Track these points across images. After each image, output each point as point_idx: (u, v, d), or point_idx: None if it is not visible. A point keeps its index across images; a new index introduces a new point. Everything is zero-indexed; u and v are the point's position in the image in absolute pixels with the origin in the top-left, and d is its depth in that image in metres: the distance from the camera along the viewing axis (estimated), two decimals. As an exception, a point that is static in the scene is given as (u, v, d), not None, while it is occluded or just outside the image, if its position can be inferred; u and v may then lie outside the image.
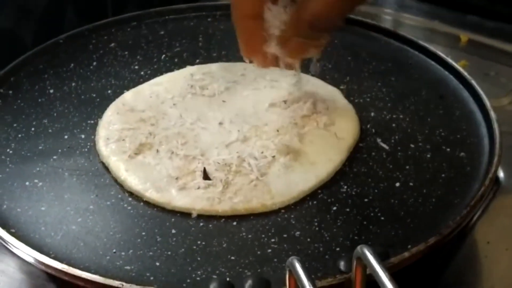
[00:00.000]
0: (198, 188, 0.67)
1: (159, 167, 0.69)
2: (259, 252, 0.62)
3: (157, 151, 0.71)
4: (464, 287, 0.66)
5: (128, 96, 0.79)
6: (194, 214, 0.65)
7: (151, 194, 0.67)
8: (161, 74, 0.83)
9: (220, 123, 0.74)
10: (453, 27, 1.05)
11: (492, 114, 0.75)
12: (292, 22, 0.67)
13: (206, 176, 0.68)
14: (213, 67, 0.83)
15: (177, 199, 0.66)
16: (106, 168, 0.71)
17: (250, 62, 0.72)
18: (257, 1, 0.68)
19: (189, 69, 0.83)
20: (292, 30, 0.67)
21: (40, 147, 0.74)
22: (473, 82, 0.80)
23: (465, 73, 0.81)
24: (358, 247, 0.52)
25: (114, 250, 0.62)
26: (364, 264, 0.52)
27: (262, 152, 0.70)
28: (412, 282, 0.63)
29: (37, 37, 0.93)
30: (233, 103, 0.77)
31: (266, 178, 0.68)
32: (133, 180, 0.68)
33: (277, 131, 0.72)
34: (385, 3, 1.13)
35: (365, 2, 0.67)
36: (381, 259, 0.51)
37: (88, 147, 0.74)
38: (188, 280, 0.59)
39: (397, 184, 0.68)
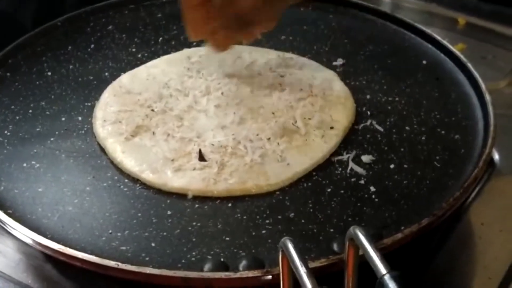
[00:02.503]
0: (194, 169, 0.67)
1: (155, 149, 0.69)
2: (253, 233, 0.62)
3: (154, 133, 0.71)
4: (459, 267, 0.67)
5: (125, 78, 0.80)
6: (190, 195, 0.66)
7: (147, 175, 0.67)
8: (158, 56, 0.84)
9: (216, 106, 0.74)
10: (451, 10, 1.05)
11: (487, 96, 0.75)
12: (219, 14, 0.68)
13: (201, 158, 0.68)
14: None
15: (173, 180, 0.67)
16: (103, 150, 0.71)
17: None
18: None
19: (186, 52, 0.83)
20: (219, 21, 0.68)
21: (37, 129, 0.74)
22: (469, 65, 0.80)
23: (461, 56, 0.81)
24: (351, 228, 0.53)
25: (110, 231, 0.63)
26: (356, 245, 0.53)
27: (257, 135, 0.70)
28: (407, 262, 0.63)
29: (37, 20, 0.93)
30: (230, 86, 0.77)
31: (262, 160, 0.68)
32: (129, 162, 0.69)
33: (273, 113, 0.73)
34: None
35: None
36: (374, 240, 0.52)
37: (85, 129, 0.74)
38: (183, 261, 0.60)
39: (392, 166, 0.69)
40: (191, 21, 0.73)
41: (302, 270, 0.50)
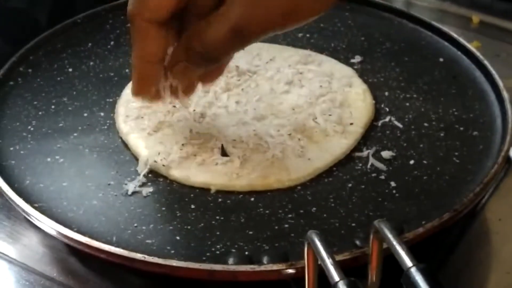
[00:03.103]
0: (216, 164, 0.68)
1: (178, 144, 0.70)
2: (276, 227, 0.63)
3: (176, 128, 0.72)
4: (476, 262, 0.67)
5: (146, 74, 0.80)
6: (213, 190, 0.67)
7: (170, 170, 0.68)
8: (178, 53, 0.85)
9: (237, 102, 0.75)
10: (465, 8, 1.05)
11: (505, 94, 0.75)
12: (181, 48, 0.62)
13: (224, 153, 0.69)
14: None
15: (196, 175, 0.67)
16: (125, 145, 0.72)
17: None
18: (162, 47, 0.63)
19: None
20: (181, 56, 0.62)
21: (60, 125, 0.75)
22: (486, 62, 0.81)
23: (478, 53, 0.82)
24: (375, 221, 0.54)
25: (135, 224, 0.64)
26: (380, 238, 0.54)
27: (278, 130, 0.71)
28: (424, 257, 0.64)
29: (52, 17, 0.94)
30: (249, 82, 0.78)
31: (283, 156, 0.69)
32: (152, 156, 0.69)
33: (293, 109, 0.74)
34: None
35: (262, 36, 0.59)
36: (398, 234, 0.53)
37: (108, 124, 0.75)
38: (208, 254, 0.61)
39: (411, 162, 0.70)
40: (139, 76, 0.65)
41: (330, 262, 0.51)
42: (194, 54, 0.60)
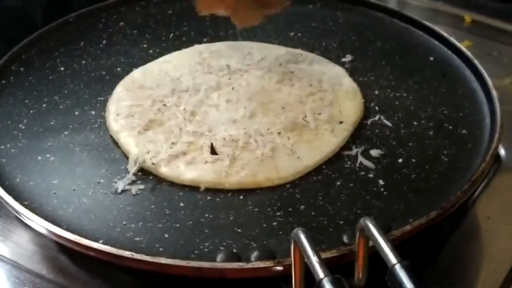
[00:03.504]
0: (206, 162, 0.68)
1: (168, 142, 0.70)
2: (265, 225, 0.64)
3: (166, 127, 0.72)
4: (465, 260, 0.68)
5: (137, 73, 0.81)
6: (202, 188, 0.67)
7: (160, 168, 0.68)
8: (169, 52, 0.85)
9: (227, 100, 0.75)
10: (457, 8, 1.06)
11: (494, 92, 0.76)
12: None
13: (213, 151, 0.69)
14: (221, 45, 0.85)
15: (185, 173, 0.68)
16: (116, 143, 0.72)
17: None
18: None
19: (197, 48, 0.84)
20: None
21: (51, 123, 0.75)
22: (476, 61, 0.81)
23: (468, 53, 0.82)
24: (361, 219, 0.54)
25: (124, 222, 0.64)
26: (367, 235, 0.54)
27: (268, 129, 0.72)
28: (413, 255, 0.64)
29: (46, 16, 0.94)
30: (240, 81, 0.78)
31: (272, 154, 0.69)
32: (142, 155, 0.70)
33: (283, 108, 0.74)
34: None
35: None
36: (383, 232, 0.53)
37: (98, 123, 0.75)
38: (196, 252, 0.61)
39: (400, 160, 0.70)
40: None
41: (315, 260, 0.51)
42: None
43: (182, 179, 0.68)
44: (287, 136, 0.71)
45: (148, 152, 0.69)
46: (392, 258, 0.50)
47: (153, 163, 0.69)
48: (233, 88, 0.77)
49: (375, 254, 0.53)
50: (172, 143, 0.70)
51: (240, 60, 0.81)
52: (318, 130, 0.72)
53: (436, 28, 0.88)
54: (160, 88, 0.78)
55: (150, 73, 0.81)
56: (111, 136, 0.73)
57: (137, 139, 0.71)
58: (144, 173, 0.69)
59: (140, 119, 0.73)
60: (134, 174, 0.68)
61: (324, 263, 0.51)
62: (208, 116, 0.74)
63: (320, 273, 0.50)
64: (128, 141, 0.71)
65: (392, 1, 1.10)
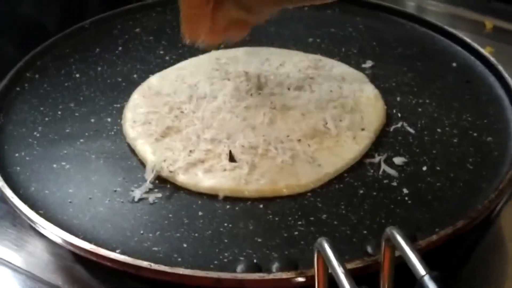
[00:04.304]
0: (224, 170, 0.67)
1: (186, 150, 0.69)
2: (285, 235, 0.62)
3: (183, 134, 0.71)
4: (491, 270, 0.66)
5: (154, 80, 0.80)
6: (221, 196, 0.65)
7: (178, 176, 0.67)
8: (186, 59, 0.84)
9: (246, 107, 0.74)
10: (478, 14, 1.04)
11: (520, 98, 0.74)
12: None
13: (232, 159, 0.68)
14: (238, 51, 0.83)
15: (204, 181, 0.66)
16: (133, 151, 0.71)
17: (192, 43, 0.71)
18: None
19: (214, 54, 0.83)
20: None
21: (67, 130, 0.74)
22: (500, 67, 0.79)
23: (492, 58, 0.81)
24: (387, 229, 0.52)
25: (141, 232, 0.62)
26: (393, 245, 0.52)
27: (288, 136, 0.70)
28: (438, 265, 0.63)
29: (60, 23, 0.93)
30: (258, 87, 0.77)
31: (292, 161, 0.68)
32: (160, 162, 0.68)
33: (303, 115, 0.73)
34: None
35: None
36: (410, 242, 0.51)
37: (115, 130, 0.74)
38: (215, 262, 0.60)
39: (424, 168, 0.68)
40: (190, 19, 0.69)
41: (340, 271, 0.49)
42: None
43: (200, 187, 0.66)
44: (308, 143, 0.69)
45: (165, 160, 0.68)
46: (420, 269, 0.49)
47: (170, 171, 0.67)
48: (251, 95, 0.75)
49: (400, 265, 0.52)
50: (190, 150, 0.69)
51: (258, 67, 0.80)
52: (340, 137, 0.70)
53: (459, 33, 0.86)
54: (177, 94, 0.76)
55: (167, 79, 0.79)
56: (128, 144, 0.72)
57: (154, 147, 0.70)
58: (161, 181, 0.67)
59: (157, 126, 0.72)
60: (151, 182, 0.67)
61: (350, 274, 0.49)
62: (226, 123, 0.72)
63: (346, 285, 0.48)
64: (145, 149, 0.70)
65: (410, 6, 1.09)
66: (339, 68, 0.81)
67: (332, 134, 0.71)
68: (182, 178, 0.67)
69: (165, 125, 0.72)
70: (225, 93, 0.76)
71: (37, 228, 0.63)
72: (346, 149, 0.69)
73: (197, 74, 0.79)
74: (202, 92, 0.76)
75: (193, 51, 0.85)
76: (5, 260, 0.67)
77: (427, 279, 0.48)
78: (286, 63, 0.81)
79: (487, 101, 0.77)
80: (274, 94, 0.76)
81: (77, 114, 0.76)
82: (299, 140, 0.70)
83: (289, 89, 0.76)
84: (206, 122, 0.72)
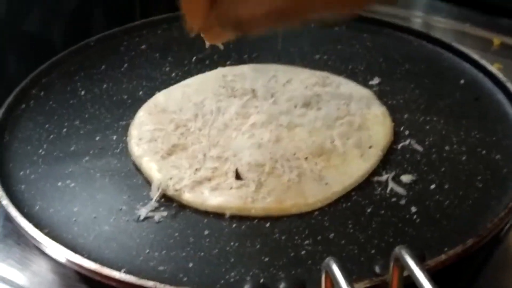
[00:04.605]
0: (231, 188, 0.66)
1: (192, 168, 0.69)
2: (292, 254, 0.61)
3: (189, 152, 0.70)
4: (501, 290, 0.65)
5: (160, 97, 0.79)
6: (227, 214, 0.65)
7: (184, 194, 0.66)
8: (192, 76, 0.83)
9: (252, 125, 0.73)
10: (485, 31, 1.04)
11: (528, 116, 0.74)
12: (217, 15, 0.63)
13: (238, 177, 0.67)
14: (245, 68, 0.83)
15: (210, 199, 0.66)
16: (138, 169, 0.71)
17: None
18: None
19: (220, 71, 0.83)
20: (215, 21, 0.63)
21: (72, 148, 0.74)
22: (508, 84, 0.79)
23: (501, 75, 0.80)
24: (396, 248, 0.52)
25: (147, 251, 0.62)
26: (401, 265, 0.51)
27: (294, 154, 0.70)
28: (447, 284, 0.62)
29: (66, 40, 0.93)
30: (265, 105, 0.76)
31: (299, 180, 0.67)
32: (165, 181, 0.68)
33: (310, 132, 0.72)
34: (414, 6, 1.12)
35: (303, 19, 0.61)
36: (420, 262, 0.51)
37: (120, 148, 0.73)
38: (222, 281, 0.59)
39: (433, 186, 0.68)
40: (190, 10, 0.66)
41: (348, 291, 0.49)
42: (226, 20, 0.61)
43: (207, 205, 0.66)
44: (315, 161, 0.69)
45: (171, 178, 0.67)
46: (430, 290, 0.48)
47: (176, 190, 0.67)
48: (258, 112, 0.75)
49: (409, 285, 0.51)
50: (196, 168, 0.68)
51: (264, 83, 0.79)
52: (347, 155, 0.70)
53: (466, 50, 0.86)
54: (183, 112, 0.76)
55: (173, 96, 0.79)
56: (133, 161, 0.71)
57: (160, 164, 0.69)
58: (167, 200, 0.67)
59: (163, 144, 0.71)
60: (157, 201, 0.66)
61: (358, 295, 0.49)
62: (232, 140, 0.72)
63: (354, 305, 0.48)
64: (151, 166, 0.69)
65: (417, 23, 1.09)
66: (346, 85, 0.80)
67: (339, 152, 0.70)
68: (188, 197, 0.66)
69: (171, 142, 0.71)
70: (232, 110, 0.75)
71: (41, 248, 0.63)
72: (353, 167, 0.69)
73: (203, 91, 0.79)
74: (208, 109, 0.76)
75: (200, 68, 0.85)
76: (9, 279, 0.66)
77: (437, 300, 0.47)
78: (293, 80, 0.80)
79: (495, 118, 0.76)
80: (281, 111, 0.75)
81: (82, 131, 0.76)
82: (306, 158, 0.69)
83: (296, 106, 0.76)
84: (212, 139, 0.72)
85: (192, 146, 0.71)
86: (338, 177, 0.68)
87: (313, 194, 0.66)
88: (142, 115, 0.76)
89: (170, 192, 0.67)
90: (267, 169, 0.68)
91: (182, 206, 0.66)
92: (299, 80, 0.80)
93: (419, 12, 1.11)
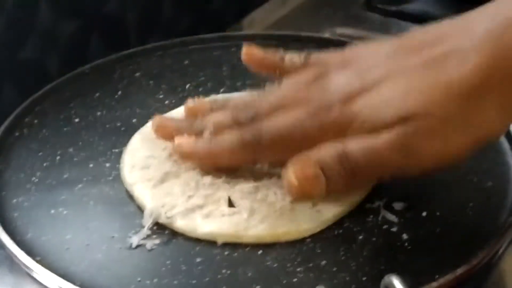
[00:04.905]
0: (223, 215, 0.66)
1: (184, 195, 0.69)
2: (284, 281, 0.61)
3: (182, 179, 0.71)
4: (493, 318, 0.65)
5: (154, 123, 0.79)
6: (220, 242, 0.65)
7: (176, 221, 0.66)
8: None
9: (246, 152, 0.73)
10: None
11: (519, 142, 0.74)
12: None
13: (230, 204, 0.68)
14: (239, 96, 0.83)
15: (202, 226, 0.66)
16: (131, 197, 0.71)
17: None
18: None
19: (215, 98, 0.83)
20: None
21: (65, 176, 0.74)
22: (500, 111, 0.79)
23: (492, 101, 0.80)
24: (386, 276, 0.52)
25: (139, 279, 0.62)
26: (392, 293, 0.52)
27: (288, 181, 0.70)
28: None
29: (62, 67, 0.94)
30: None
31: (292, 207, 0.67)
32: (158, 208, 0.68)
33: (303, 159, 0.72)
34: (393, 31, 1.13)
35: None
36: (409, 288, 0.51)
37: (113, 175, 0.74)
38: (214, 309, 0.59)
39: (424, 214, 0.68)
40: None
41: (339, 319, 0.49)
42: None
43: (198, 233, 0.66)
44: (307, 189, 0.69)
45: (163, 206, 0.68)
46: (420, 319, 0.48)
47: (168, 217, 0.67)
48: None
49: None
50: (189, 196, 0.68)
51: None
52: (339, 183, 0.70)
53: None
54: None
55: (167, 123, 0.79)
56: (126, 189, 0.71)
57: (152, 192, 0.70)
58: (159, 227, 0.67)
59: (155, 171, 0.71)
60: (149, 229, 0.66)
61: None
62: (225, 167, 0.72)
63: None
64: (143, 194, 0.70)
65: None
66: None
67: (331, 180, 0.70)
68: (180, 224, 0.66)
69: (164, 170, 0.72)
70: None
71: (33, 275, 0.63)
72: (345, 194, 0.69)
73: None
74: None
75: (193, 95, 0.84)
76: (1, 307, 0.67)
77: (427, 329, 0.48)
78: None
79: (487, 145, 0.76)
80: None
81: (75, 159, 0.76)
82: (299, 185, 0.69)
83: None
84: (205, 167, 0.72)
85: (185, 174, 0.71)
86: (330, 204, 0.68)
87: (306, 221, 0.66)
88: (135, 141, 0.77)
89: (162, 219, 0.67)
90: (259, 196, 0.68)
91: (174, 234, 0.66)
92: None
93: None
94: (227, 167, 0.70)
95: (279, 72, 0.73)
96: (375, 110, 0.64)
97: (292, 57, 0.73)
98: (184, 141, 0.71)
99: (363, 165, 0.64)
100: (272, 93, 0.71)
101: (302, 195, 0.65)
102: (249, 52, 0.77)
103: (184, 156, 0.71)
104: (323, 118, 0.66)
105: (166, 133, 0.74)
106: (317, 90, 0.68)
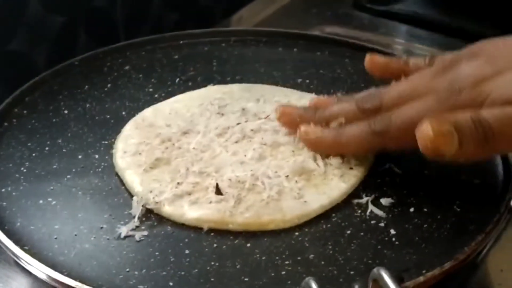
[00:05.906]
0: (210, 202, 0.67)
1: (173, 182, 0.69)
2: (272, 274, 0.62)
3: (172, 166, 0.71)
4: (478, 314, 0.66)
5: (148, 112, 0.80)
6: (206, 228, 0.65)
7: (164, 207, 0.67)
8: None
9: (237, 142, 0.74)
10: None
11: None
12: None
13: (218, 192, 0.68)
14: (234, 87, 0.84)
15: (189, 212, 0.66)
16: (120, 187, 0.71)
17: None
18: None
19: (209, 88, 0.84)
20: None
21: (54, 166, 0.74)
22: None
23: (479, 101, 0.81)
24: (375, 269, 0.53)
25: (127, 269, 0.62)
26: (380, 286, 0.52)
27: (276, 172, 0.70)
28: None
29: (50, 60, 0.94)
30: (251, 123, 0.77)
31: (279, 197, 0.68)
32: (146, 193, 0.68)
33: (293, 152, 0.73)
34: (395, 33, 1.14)
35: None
36: (398, 283, 0.51)
37: (102, 167, 0.74)
38: (202, 301, 0.59)
39: (412, 210, 0.68)
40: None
41: (327, 310, 0.49)
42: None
43: (185, 218, 0.66)
44: (295, 180, 0.70)
45: (151, 191, 0.68)
46: (407, 310, 0.49)
47: (156, 202, 0.67)
48: (243, 130, 0.75)
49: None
50: (178, 183, 0.69)
51: (253, 102, 0.81)
52: (327, 175, 0.70)
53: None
54: (170, 127, 0.77)
55: (160, 112, 0.80)
56: (115, 179, 0.72)
57: (142, 177, 0.70)
58: (148, 219, 0.67)
59: (146, 157, 0.72)
60: (138, 219, 0.67)
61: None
62: (216, 156, 0.72)
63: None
64: (133, 179, 0.70)
65: (398, 49, 1.10)
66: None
67: (320, 172, 0.71)
68: (167, 209, 0.67)
69: (155, 156, 0.72)
70: (218, 127, 0.76)
71: (21, 264, 0.63)
72: (332, 187, 0.69)
73: (191, 107, 0.80)
74: (195, 125, 0.77)
75: (183, 90, 0.85)
76: (-12, 296, 0.67)
77: (414, 320, 0.48)
78: (281, 100, 0.81)
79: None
80: (267, 130, 0.76)
81: (64, 150, 0.76)
82: (287, 176, 0.70)
83: (281, 126, 0.76)
84: (196, 155, 0.72)
85: (175, 161, 0.72)
86: (318, 196, 0.68)
87: (291, 211, 0.67)
88: (129, 129, 0.77)
89: (151, 205, 0.67)
90: (247, 185, 0.69)
91: (163, 225, 0.66)
92: (286, 100, 0.81)
93: (400, 39, 1.13)
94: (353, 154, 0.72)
95: (404, 76, 0.73)
96: (510, 85, 0.64)
97: (416, 60, 0.74)
98: (310, 129, 0.72)
99: (497, 131, 0.62)
100: (400, 85, 0.72)
101: (434, 150, 0.63)
102: (373, 60, 0.77)
103: (310, 143, 0.72)
104: (453, 102, 0.65)
105: (290, 120, 0.75)
106: (446, 79, 0.68)
